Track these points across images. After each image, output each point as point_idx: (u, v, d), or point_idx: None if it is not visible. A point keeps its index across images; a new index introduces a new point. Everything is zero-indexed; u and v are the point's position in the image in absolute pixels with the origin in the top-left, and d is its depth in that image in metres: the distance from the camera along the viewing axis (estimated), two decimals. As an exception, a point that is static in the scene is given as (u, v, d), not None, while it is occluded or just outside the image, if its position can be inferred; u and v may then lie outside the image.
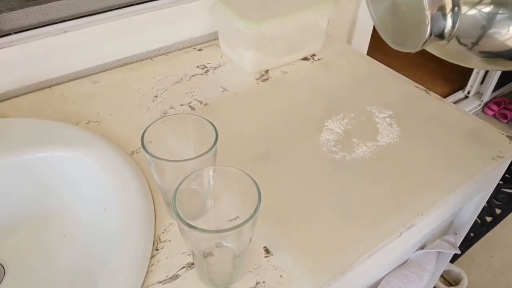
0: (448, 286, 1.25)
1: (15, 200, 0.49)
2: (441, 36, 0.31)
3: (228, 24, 0.67)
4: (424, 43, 0.32)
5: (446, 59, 0.38)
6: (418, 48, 0.33)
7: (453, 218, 0.69)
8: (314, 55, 0.74)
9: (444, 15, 0.29)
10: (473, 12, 0.29)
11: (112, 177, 0.47)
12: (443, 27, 0.30)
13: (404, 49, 0.35)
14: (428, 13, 0.29)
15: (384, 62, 0.72)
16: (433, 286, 0.88)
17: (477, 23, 0.29)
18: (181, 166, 0.38)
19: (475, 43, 0.32)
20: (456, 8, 0.29)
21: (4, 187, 0.48)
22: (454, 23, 0.29)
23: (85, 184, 0.49)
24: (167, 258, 0.42)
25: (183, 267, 0.41)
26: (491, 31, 0.30)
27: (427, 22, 0.29)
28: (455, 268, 1.26)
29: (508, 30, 0.29)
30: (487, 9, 0.29)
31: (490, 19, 0.29)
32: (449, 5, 0.28)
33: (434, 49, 0.37)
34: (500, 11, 0.28)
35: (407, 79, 0.69)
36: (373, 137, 0.57)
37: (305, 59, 0.73)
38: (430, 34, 0.30)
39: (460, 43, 0.32)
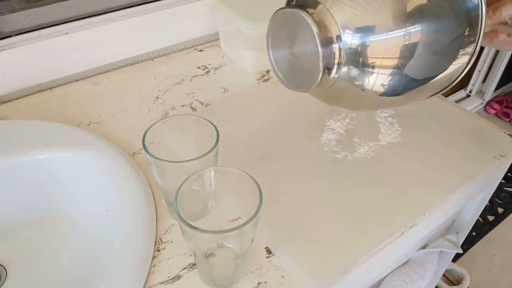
0: (450, 285, 1.24)
1: (16, 201, 0.49)
2: (325, 82, 0.40)
3: (229, 24, 0.67)
4: (314, 87, 0.40)
5: (326, 102, 0.46)
6: (309, 90, 0.41)
7: (455, 217, 0.69)
8: (315, 55, 0.73)
9: (331, 68, 0.38)
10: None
11: (114, 178, 0.47)
12: (330, 74, 0.39)
13: (297, 90, 0.42)
14: (321, 64, 0.37)
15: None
16: (435, 285, 0.88)
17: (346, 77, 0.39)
18: (183, 167, 0.38)
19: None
20: (339, 65, 0.38)
21: (6, 189, 0.48)
22: (337, 73, 0.38)
23: (86, 186, 0.49)
24: (168, 258, 0.42)
25: (185, 268, 0.41)
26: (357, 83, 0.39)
27: (320, 70, 0.38)
28: (457, 267, 1.26)
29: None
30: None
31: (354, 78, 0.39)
32: (336, 60, 0.38)
33: (317, 94, 0.44)
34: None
35: (408, 78, 0.69)
36: (375, 136, 0.57)
37: (306, 59, 0.73)
38: (320, 80, 0.38)
39: (340, 89, 0.40)
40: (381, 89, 0.39)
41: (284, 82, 0.44)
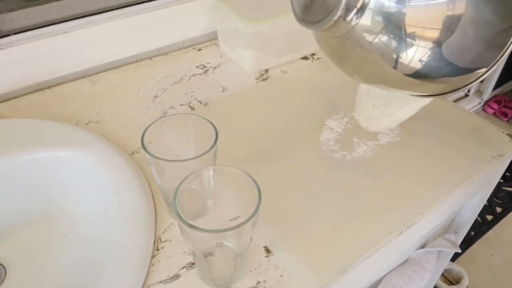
0: (449, 285, 1.25)
1: (15, 200, 0.49)
2: (340, 27, 0.34)
3: (227, 23, 0.67)
4: (332, 24, 0.34)
5: (330, 57, 0.41)
6: (320, 30, 0.36)
7: (454, 217, 0.69)
8: (313, 54, 0.74)
9: (350, 10, 0.33)
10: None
11: (113, 177, 0.47)
12: (348, 17, 0.33)
13: (308, 26, 0.37)
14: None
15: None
16: (433, 284, 0.88)
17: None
18: (181, 166, 0.38)
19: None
20: (362, 10, 0.33)
21: (4, 188, 0.48)
22: (356, 18, 0.33)
23: (85, 185, 0.49)
24: (167, 258, 0.42)
25: (184, 267, 0.41)
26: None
27: (340, 6, 0.33)
28: (455, 266, 1.26)
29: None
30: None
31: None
32: (359, 3, 0.33)
33: (324, 41, 0.39)
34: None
35: (407, 77, 0.69)
36: (374, 136, 0.57)
37: (305, 58, 0.73)
38: (336, 18, 0.34)
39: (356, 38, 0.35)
40: (398, 59, 0.34)
41: (297, 15, 0.39)
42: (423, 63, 0.35)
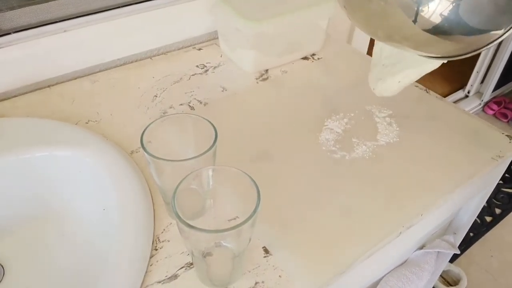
0: (448, 286, 1.25)
1: (14, 200, 0.49)
2: None
3: (228, 23, 0.67)
4: None
5: (345, 4, 0.41)
6: None
7: (453, 218, 0.69)
8: (314, 54, 0.74)
9: None
10: None
11: (112, 177, 0.47)
12: None
13: None
14: None
15: (384, 61, 0.72)
16: (432, 286, 0.88)
17: None
18: (181, 165, 0.38)
19: None
20: None
21: (3, 187, 0.48)
22: None
23: (84, 184, 0.49)
24: (166, 258, 0.42)
25: (182, 267, 0.41)
26: None
27: None
28: (454, 268, 1.26)
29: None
30: None
31: None
32: None
33: None
34: None
35: (407, 78, 0.69)
36: (373, 136, 0.57)
37: (305, 58, 0.73)
38: None
39: None
40: (419, 13, 0.35)
41: None
42: (442, 17, 0.36)
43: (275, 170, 0.51)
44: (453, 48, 0.40)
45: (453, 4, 0.35)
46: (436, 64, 0.47)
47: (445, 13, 0.36)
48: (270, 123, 0.58)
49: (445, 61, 0.43)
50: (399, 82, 0.50)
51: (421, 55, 0.44)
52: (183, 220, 0.33)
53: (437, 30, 0.38)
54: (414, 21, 0.37)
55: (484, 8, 0.36)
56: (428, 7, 0.36)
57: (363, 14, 0.42)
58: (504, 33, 0.37)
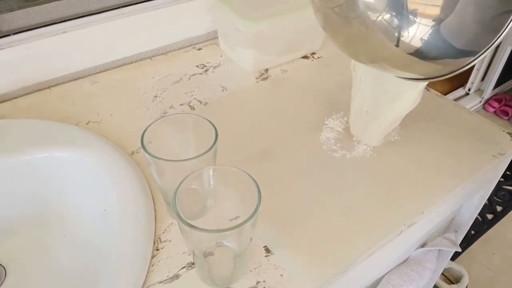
0: (449, 284, 1.25)
1: (15, 201, 0.49)
2: None
3: (227, 23, 0.67)
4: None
5: (325, 27, 0.41)
6: None
7: (454, 216, 0.69)
8: (314, 53, 0.73)
9: None
10: None
11: (112, 177, 0.47)
12: None
13: None
14: None
15: (384, 60, 0.72)
16: (433, 284, 0.88)
17: None
18: (181, 166, 0.38)
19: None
20: None
21: (4, 188, 0.48)
22: None
23: (85, 185, 0.49)
24: (167, 258, 0.42)
25: (184, 267, 0.41)
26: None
27: None
28: (455, 265, 1.26)
29: None
30: None
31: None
32: None
33: (321, 10, 0.39)
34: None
35: (407, 77, 0.69)
36: (373, 135, 0.57)
37: (305, 57, 0.73)
38: None
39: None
40: (397, 34, 0.34)
41: None
42: (423, 41, 0.36)
43: (275, 169, 0.51)
44: (438, 68, 0.40)
45: (436, 27, 0.35)
46: (412, 104, 0.48)
47: (425, 37, 0.36)
48: (271, 122, 0.58)
49: (427, 82, 0.43)
50: (379, 127, 0.52)
51: (403, 77, 0.44)
52: (184, 220, 0.33)
53: (420, 53, 0.37)
54: (397, 45, 0.37)
55: (469, 28, 0.36)
56: (408, 32, 0.35)
57: (343, 37, 0.42)
58: (485, 50, 0.36)
